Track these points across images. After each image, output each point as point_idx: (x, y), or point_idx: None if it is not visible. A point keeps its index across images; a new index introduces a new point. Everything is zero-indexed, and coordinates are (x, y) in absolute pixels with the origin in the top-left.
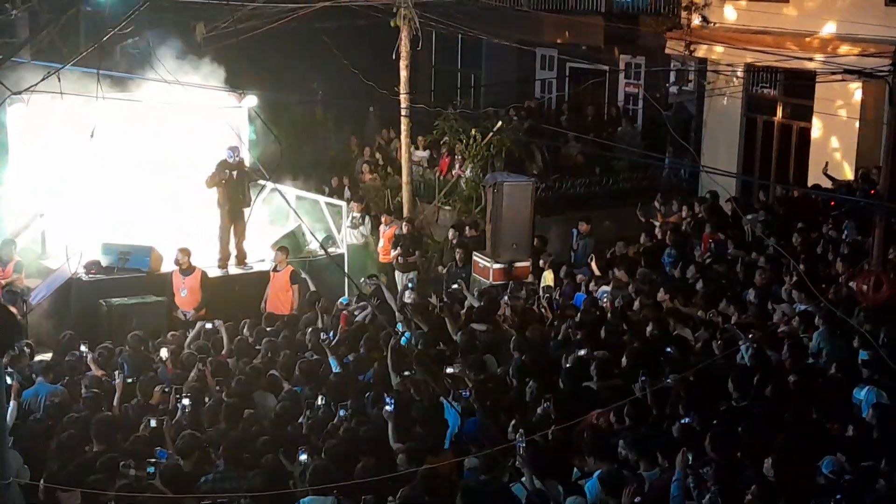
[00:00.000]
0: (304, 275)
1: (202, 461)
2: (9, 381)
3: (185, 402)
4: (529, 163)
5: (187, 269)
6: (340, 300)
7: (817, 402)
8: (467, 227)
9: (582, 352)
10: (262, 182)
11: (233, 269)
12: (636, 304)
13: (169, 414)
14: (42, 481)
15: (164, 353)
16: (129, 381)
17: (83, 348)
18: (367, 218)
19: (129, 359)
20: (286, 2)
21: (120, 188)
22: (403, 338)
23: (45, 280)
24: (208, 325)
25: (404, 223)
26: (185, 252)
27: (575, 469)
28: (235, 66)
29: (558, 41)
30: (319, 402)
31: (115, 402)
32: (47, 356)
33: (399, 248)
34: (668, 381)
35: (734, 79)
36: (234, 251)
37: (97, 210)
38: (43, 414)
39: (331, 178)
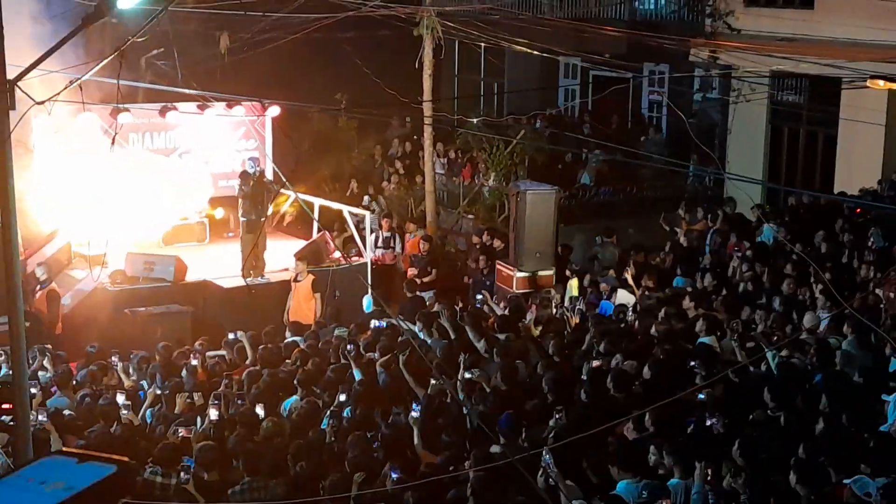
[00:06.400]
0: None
1: (225, 472)
2: (33, 391)
3: (213, 413)
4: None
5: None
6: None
7: (847, 408)
8: (486, 233)
9: (596, 362)
10: (285, 192)
11: (252, 280)
12: (661, 313)
13: (194, 423)
14: None
15: (193, 361)
16: (158, 392)
17: (114, 359)
18: (396, 236)
19: (160, 369)
20: (309, 12)
21: (139, 197)
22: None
23: (70, 290)
24: (230, 336)
25: (421, 242)
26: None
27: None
28: (258, 77)
29: (581, 50)
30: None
31: (141, 410)
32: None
33: (415, 267)
34: (701, 396)
35: (759, 86)
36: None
37: (119, 219)
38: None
39: (353, 187)
